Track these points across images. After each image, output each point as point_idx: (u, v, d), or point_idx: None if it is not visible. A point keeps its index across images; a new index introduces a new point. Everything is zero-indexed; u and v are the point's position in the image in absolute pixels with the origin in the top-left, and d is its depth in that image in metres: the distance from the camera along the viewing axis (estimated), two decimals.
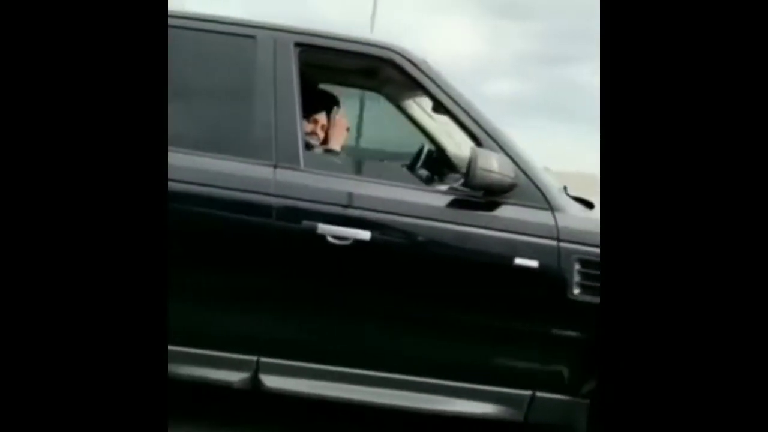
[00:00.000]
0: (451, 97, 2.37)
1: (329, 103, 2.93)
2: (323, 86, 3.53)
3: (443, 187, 2.59)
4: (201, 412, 2.54)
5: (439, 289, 2.30)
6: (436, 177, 3.20)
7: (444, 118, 3.29)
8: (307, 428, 2.66)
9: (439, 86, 2.37)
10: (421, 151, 3.38)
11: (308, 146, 2.77)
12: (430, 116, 3.60)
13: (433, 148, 3.49)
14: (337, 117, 2.82)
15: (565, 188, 2.80)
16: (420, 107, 3.59)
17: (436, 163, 3.44)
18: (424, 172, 3.27)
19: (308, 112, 2.79)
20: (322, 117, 2.86)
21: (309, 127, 2.80)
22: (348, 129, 2.96)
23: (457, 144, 3.61)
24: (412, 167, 3.37)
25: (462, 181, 2.79)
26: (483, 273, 2.29)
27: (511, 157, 2.30)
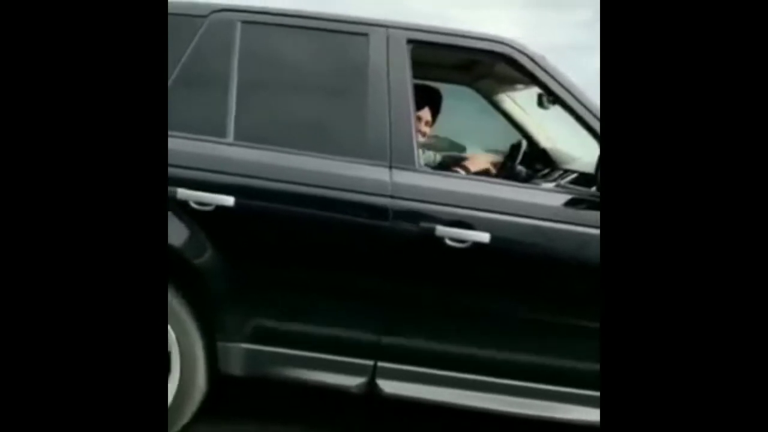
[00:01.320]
0: (571, 93, 2.27)
1: (433, 99, 2.85)
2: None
3: (549, 185, 2.51)
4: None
5: (559, 293, 2.21)
6: (536, 174, 3.12)
7: (540, 112, 3.22)
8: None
9: (558, 82, 2.28)
10: (518, 146, 3.28)
11: None
12: (524, 111, 3.51)
13: (525, 143, 3.40)
14: (485, 155, 2.79)
15: None
16: (513, 102, 3.50)
17: (532, 159, 3.34)
18: (522, 169, 3.18)
19: None
20: (425, 113, 2.79)
21: None
22: (489, 169, 2.89)
23: (550, 139, 3.51)
24: (510, 163, 3.28)
25: (570, 177, 2.70)
26: None
27: None
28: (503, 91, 3.41)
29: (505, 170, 3.29)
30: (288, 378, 2.21)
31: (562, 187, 2.42)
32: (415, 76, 3.40)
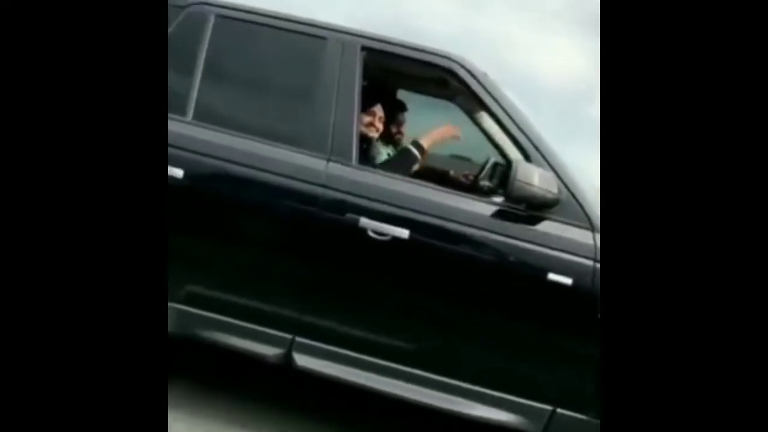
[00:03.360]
0: (505, 111, 2.43)
1: (381, 96, 3.03)
2: (400, 94, 3.68)
3: (498, 199, 2.65)
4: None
5: (469, 293, 2.36)
6: (500, 190, 3.25)
7: None
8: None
9: (494, 98, 2.44)
10: (486, 162, 3.44)
11: (366, 138, 2.89)
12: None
13: (501, 161, 3.54)
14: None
15: None
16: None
17: (504, 176, 3.48)
18: (486, 183, 3.33)
19: (365, 106, 2.91)
20: (378, 109, 2.97)
21: (366, 119, 2.92)
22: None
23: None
24: (476, 177, 3.44)
25: None
26: (515, 283, 2.33)
27: (556, 173, 2.33)
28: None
29: (474, 182, 3.46)
30: (212, 341, 2.42)
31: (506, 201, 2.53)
32: (398, 86, 3.63)
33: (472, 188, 3.25)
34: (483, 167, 3.44)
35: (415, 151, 2.74)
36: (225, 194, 2.42)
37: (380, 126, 3.00)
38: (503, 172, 3.49)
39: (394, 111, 3.38)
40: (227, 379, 2.86)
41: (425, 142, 2.79)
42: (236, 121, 2.46)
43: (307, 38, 2.51)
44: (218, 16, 2.54)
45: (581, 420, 2.30)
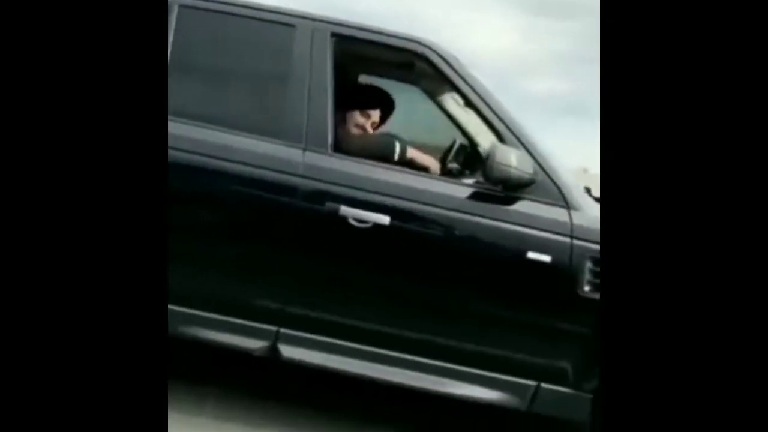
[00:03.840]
0: (477, 93, 2.45)
1: (385, 103, 3.02)
2: (364, 79, 3.66)
3: (470, 181, 2.68)
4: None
5: (451, 276, 2.39)
6: (466, 171, 3.29)
7: None
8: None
9: (466, 81, 2.46)
10: (452, 145, 3.47)
11: None
12: (466, 112, 3.69)
13: (466, 142, 3.58)
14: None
15: (588, 189, 2.87)
16: (456, 102, 3.67)
17: (468, 158, 3.52)
18: (454, 166, 3.36)
19: (362, 106, 2.93)
20: (375, 114, 2.96)
21: (360, 120, 2.91)
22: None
23: (489, 140, 3.68)
24: (443, 160, 3.47)
25: None
26: (495, 263, 2.37)
27: (531, 154, 2.37)
28: (446, 91, 3.58)
29: (443, 165, 3.48)
30: (196, 338, 2.38)
31: (478, 183, 2.58)
32: (361, 71, 3.61)
33: (442, 171, 3.27)
34: (449, 149, 3.47)
35: (397, 146, 2.73)
36: (201, 188, 2.38)
37: (370, 131, 2.99)
38: (469, 154, 3.55)
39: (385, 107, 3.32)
40: (212, 374, 2.83)
41: (410, 153, 2.81)
42: (208, 114, 2.42)
43: (276, 26, 2.48)
44: (182, 6, 2.48)
45: (565, 393, 2.37)
